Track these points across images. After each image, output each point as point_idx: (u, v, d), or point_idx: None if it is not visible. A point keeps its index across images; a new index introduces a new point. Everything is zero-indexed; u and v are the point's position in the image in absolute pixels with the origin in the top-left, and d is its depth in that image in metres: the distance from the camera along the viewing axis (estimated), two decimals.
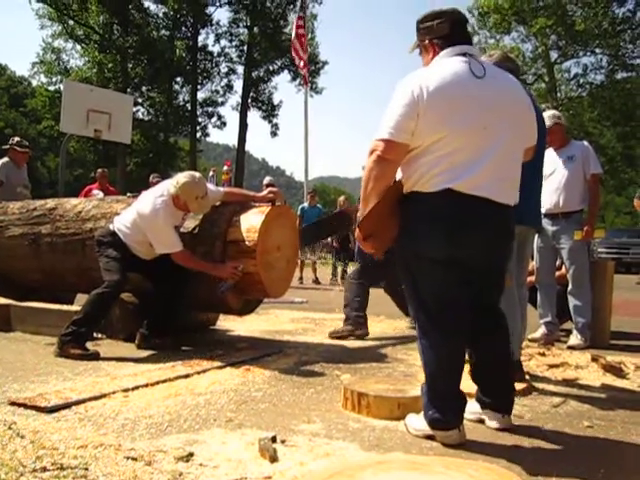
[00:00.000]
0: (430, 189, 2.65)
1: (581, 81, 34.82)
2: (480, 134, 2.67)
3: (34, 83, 44.95)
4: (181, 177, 4.71)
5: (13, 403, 3.11)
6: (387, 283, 6.27)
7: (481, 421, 2.99)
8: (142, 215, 4.70)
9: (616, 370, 4.27)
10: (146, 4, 37.40)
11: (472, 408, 2.98)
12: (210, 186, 4.97)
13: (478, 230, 2.67)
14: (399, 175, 2.83)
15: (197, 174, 4.83)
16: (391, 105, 2.70)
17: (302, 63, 18.60)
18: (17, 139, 8.43)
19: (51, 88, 37.82)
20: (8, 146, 8.23)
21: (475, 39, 35.03)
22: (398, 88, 2.73)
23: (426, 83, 2.64)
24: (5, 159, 8.17)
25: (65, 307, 5.49)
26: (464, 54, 2.78)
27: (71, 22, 36.28)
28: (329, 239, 14.37)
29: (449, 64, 2.74)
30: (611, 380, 4.12)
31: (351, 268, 6.68)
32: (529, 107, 2.92)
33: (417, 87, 2.64)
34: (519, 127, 2.83)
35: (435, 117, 2.64)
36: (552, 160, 5.60)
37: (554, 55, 34.68)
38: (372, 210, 2.71)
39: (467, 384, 2.99)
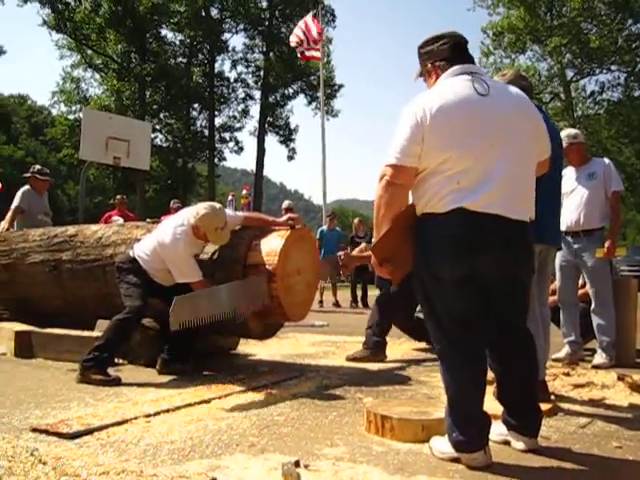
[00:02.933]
0: (441, 209, 2.64)
1: (598, 98, 34.71)
2: (487, 152, 2.65)
3: (54, 112, 45.58)
4: (201, 208, 4.70)
5: (35, 430, 3.11)
6: (399, 314, 6.00)
7: (507, 443, 2.94)
8: (162, 244, 4.71)
9: None
10: (163, 32, 38.07)
11: (498, 430, 2.93)
12: (229, 211, 4.98)
13: (492, 248, 2.64)
14: (411, 199, 2.83)
15: (217, 205, 4.83)
16: (397, 130, 2.73)
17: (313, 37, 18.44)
18: (38, 167, 8.50)
19: (71, 117, 38.36)
20: (29, 174, 8.30)
21: (490, 59, 35.19)
22: (403, 112, 2.75)
23: (429, 105, 2.66)
24: (26, 187, 8.25)
25: (86, 333, 5.49)
26: (467, 73, 2.79)
27: (90, 52, 37.01)
28: None
29: (451, 84, 2.76)
30: (638, 399, 4.04)
31: (373, 292, 6.60)
32: (538, 120, 2.90)
33: (420, 110, 2.66)
34: (529, 141, 2.80)
35: (439, 139, 2.64)
36: (573, 178, 5.58)
37: (570, 73, 34.64)
38: (384, 235, 2.71)
39: (493, 405, 2.96)
